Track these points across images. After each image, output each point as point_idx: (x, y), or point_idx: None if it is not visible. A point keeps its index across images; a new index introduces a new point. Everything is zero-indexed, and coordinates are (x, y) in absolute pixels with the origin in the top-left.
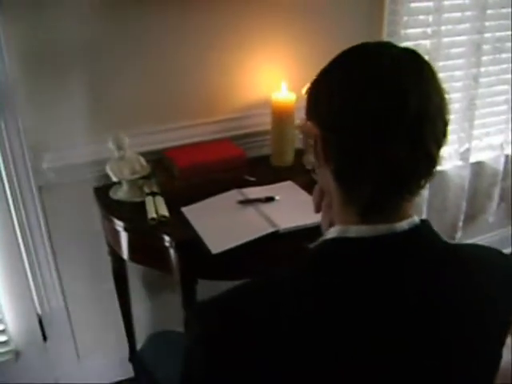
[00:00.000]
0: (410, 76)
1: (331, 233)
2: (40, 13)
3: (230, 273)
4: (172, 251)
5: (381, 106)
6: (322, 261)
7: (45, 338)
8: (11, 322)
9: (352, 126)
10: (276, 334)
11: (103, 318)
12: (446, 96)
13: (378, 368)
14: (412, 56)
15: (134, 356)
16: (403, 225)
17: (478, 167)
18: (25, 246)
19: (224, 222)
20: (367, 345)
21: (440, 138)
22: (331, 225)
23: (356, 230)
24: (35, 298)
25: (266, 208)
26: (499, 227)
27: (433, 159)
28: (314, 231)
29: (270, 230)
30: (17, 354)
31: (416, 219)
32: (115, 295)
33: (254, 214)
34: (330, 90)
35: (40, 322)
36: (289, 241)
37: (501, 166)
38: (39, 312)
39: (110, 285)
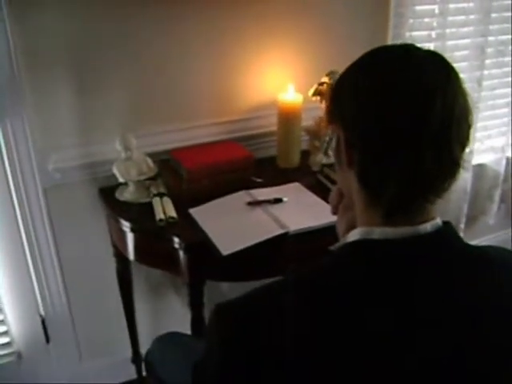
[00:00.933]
0: (437, 79)
1: (354, 235)
2: (44, 13)
3: (239, 274)
4: (181, 253)
5: (408, 109)
6: (346, 263)
7: (47, 339)
8: (14, 324)
9: (379, 129)
10: (297, 339)
11: (106, 320)
12: (470, 98)
13: (398, 372)
14: (437, 58)
15: (137, 358)
16: (427, 227)
17: (480, 169)
18: (29, 246)
19: (233, 224)
20: (391, 347)
21: (464, 140)
22: (349, 227)
23: (380, 232)
24: (39, 299)
25: (275, 209)
26: (500, 229)
27: (457, 162)
28: (323, 233)
29: (280, 231)
30: (19, 355)
31: (439, 221)
32: (119, 297)
33: (263, 215)
34: (355, 93)
35: (43, 324)
36: (298, 242)
37: (502, 169)
38: (42, 313)
39: (114, 286)
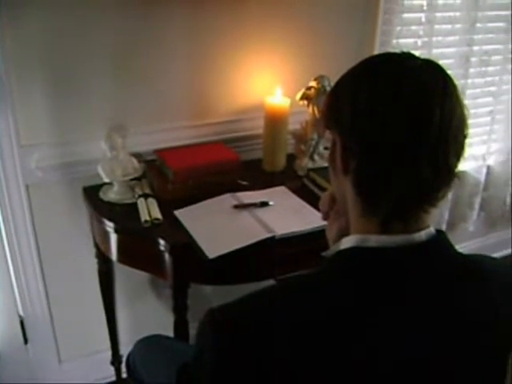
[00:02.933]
0: (435, 90)
1: (348, 242)
2: (32, 15)
3: (225, 277)
4: (166, 255)
5: (407, 121)
6: (341, 270)
7: (26, 340)
8: None
9: (377, 140)
10: (291, 346)
11: (86, 321)
12: (466, 109)
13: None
14: (435, 69)
15: (117, 359)
16: (422, 235)
17: (461, 177)
18: (9, 245)
19: (219, 227)
20: (387, 354)
21: (460, 150)
22: (341, 233)
23: (376, 240)
24: (18, 299)
25: (261, 213)
26: (478, 236)
27: (453, 172)
28: (309, 237)
29: (267, 235)
30: None
31: (433, 230)
32: (100, 298)
33: (249, 218)
34: (353, 101)
35: (22, 324)
36: (284, 246)
37: (482, 177)
38: (21, 314)
39: (95, 287)
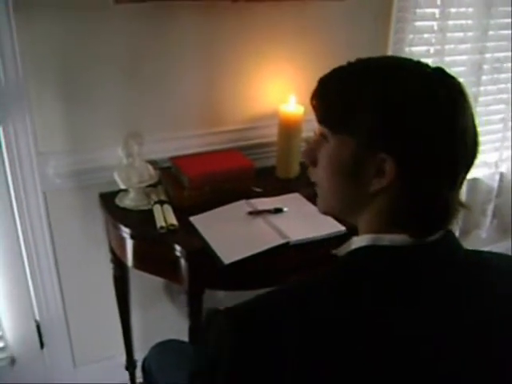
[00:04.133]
0: (462, 105)
1: (361, 241)
2: (48, 21)
3: (239, 283)
4: (182, 260)
5: (446, 135)
6: (359, 268)
7: (42, 345)
8: (9, 329)
9: (420, 154)
10: (310, 345)
11: (101, 326)
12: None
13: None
14: (456, 82)
15: (131, 364)
16: (436, 236)
17: (473, 184)
18: (27, 251)
19: (234, 233)
20: (402, 354)
21: (472, 164)
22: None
23: (390, 239)
24: (35, 304)
25: (275, 219)
26: (491, 242)
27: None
28: (323, 243)
29: (281, 241)
30: (12, 360)
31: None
32: (115, 303)
33: (264, 225)
34: (386, 108)
35: (38, 329)
36: (298, 252)
37: (495, 184)
38: (38, 319)
39: (111, 292)
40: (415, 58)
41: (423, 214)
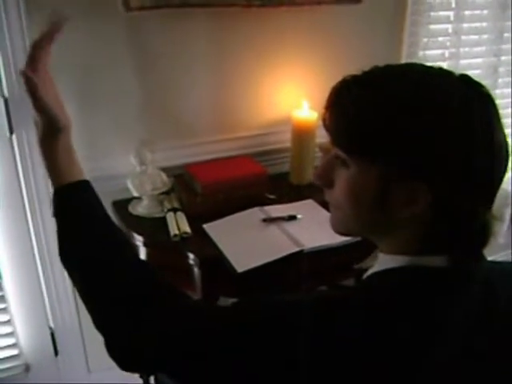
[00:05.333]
0: (493, 117)
1: (395, 261)
2: (67, 25)
3: (253, 291)
4: (196, 268)
5: (488, 153)
6: (399, 291)
7: (56, 352)
8: (23, 336)
9: (465, 178)
10: (324, 363)
11: None
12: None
13: None
14: (486, 93)
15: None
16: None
17: None
18: (40, 258)
19: (247, 240)
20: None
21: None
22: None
23: (427, 260)
24: (49, 311)
25: (289, 227)
26: (509, 248)
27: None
28: (337, 251)
29: (295, 249)
30: (27, 367)
31: None
32: None
33: (278, 232)
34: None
35: (52, 336)
36: (312, 260)
37: (510, 188)
38: (52, 326)
39: None
40: (430, 62)
41: (463, 237)
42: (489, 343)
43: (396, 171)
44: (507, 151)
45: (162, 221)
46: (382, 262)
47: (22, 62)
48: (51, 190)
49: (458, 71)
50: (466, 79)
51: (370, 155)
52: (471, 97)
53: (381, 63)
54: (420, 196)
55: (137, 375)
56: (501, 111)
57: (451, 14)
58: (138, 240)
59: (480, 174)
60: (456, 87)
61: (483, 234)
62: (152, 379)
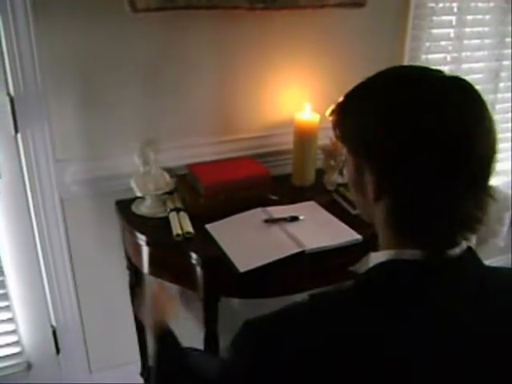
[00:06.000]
0: (473, 118)
1: (380, 256)
2: (67, 29)
3: (255, 291)
4: (198, 268)
5: (449, 150)
6: (382, 283)
7: (58, 350)
8: (25, 334)
9: (418, 177)
10: (333, 362)
11: (117, 332)
12: (497, 133)
13: None
14: (472, 94)
15: (146, 371)
16: (456, 251)
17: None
18: (44, 257)
19: (249, 241)
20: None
21: (493, 170)
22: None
23: (411, 254)
24: (51, 310)
25: (291, 227)
26: (509, 251)
27: (489, 193)
28: (338, 252)
29: (297, 249)
30: (28, 365)
31: (464, 245)
32: (130, 309)
33: (280, 233)
34: (390, 137)
35: (54, 335)
36: (314, 261)
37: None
38: (54, 324)
39: (126, 298)
40: (432, 66)
41: (434, 228)
42: (464, 344)
43: (357, 152)
44: (489, 139)
45: (165, 221)
46: (373, 259)
47: (27, 62)
48: (54, 184)
49: (459, 75)
50: (453, 80)
51: (346, 146)
52: (451, 96)
53: (384, 66)
54: (367, 175)
55: (137, 375)
56: (502, 115)
57: (453, 18)
58: (141, 239)
59: (424, 162)
60: (438, 92)
61: (462, 225)
62: None
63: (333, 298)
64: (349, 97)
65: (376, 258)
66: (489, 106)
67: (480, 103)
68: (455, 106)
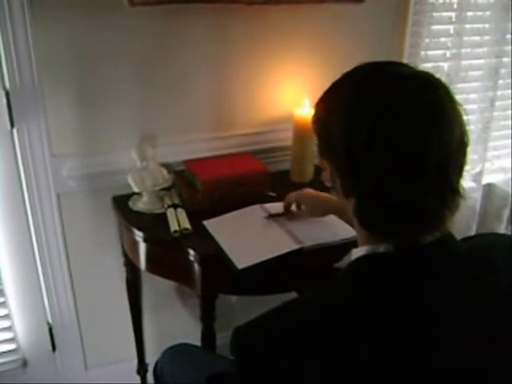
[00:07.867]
0: (432, 115)
1: (359, 252)
2: (63, 24)
3: (253, 288)
4: (196, 265)
5: (406, 148)
6: (358, 275)
7: (54, 347)
8: (21, 331)
9: (377, 179)
10: (316, 359)
11: (113, 329)
12: (466, 123)
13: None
14: (433, 85)
15: (143, 368)
16: (427, 238)
17: (489, 189)
18: (40, 253)
19: (247, 237)
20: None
21: (461, 169)
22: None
23: (385, 247)
24: (47, 306)
25: (290, 224)
26: None
27: (457, 191)
28: (337, 248)
29: (295, 246)
30: (24, 362)
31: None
32: (127, 306)
33: (278, 229)
34: (349, 140)
35: (50, 332)
36: (312, 257)
37: (511, 189)
38: (50, 321)
39: (123, 295)
40: (431, 62)
41: (402, 221)
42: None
43: (335, 169)
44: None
45: (163, 217)
46: (354, 255)
47: (23, 55)
48: (51, 179)
49: (458, 72)
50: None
51: (326, 157)
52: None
53: None
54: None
55: (133, 372)
56: (502, 113)
57: (453, 14)
58: (138, 236)
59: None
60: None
61: (425, 224)
62: (150, 377)
63: (315, 297)
64: (321, 97)
65: (356, 253)
66: (459, 102)
67: (447, 101)
68: (417, 105)
